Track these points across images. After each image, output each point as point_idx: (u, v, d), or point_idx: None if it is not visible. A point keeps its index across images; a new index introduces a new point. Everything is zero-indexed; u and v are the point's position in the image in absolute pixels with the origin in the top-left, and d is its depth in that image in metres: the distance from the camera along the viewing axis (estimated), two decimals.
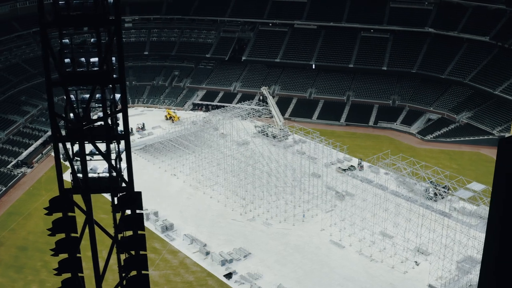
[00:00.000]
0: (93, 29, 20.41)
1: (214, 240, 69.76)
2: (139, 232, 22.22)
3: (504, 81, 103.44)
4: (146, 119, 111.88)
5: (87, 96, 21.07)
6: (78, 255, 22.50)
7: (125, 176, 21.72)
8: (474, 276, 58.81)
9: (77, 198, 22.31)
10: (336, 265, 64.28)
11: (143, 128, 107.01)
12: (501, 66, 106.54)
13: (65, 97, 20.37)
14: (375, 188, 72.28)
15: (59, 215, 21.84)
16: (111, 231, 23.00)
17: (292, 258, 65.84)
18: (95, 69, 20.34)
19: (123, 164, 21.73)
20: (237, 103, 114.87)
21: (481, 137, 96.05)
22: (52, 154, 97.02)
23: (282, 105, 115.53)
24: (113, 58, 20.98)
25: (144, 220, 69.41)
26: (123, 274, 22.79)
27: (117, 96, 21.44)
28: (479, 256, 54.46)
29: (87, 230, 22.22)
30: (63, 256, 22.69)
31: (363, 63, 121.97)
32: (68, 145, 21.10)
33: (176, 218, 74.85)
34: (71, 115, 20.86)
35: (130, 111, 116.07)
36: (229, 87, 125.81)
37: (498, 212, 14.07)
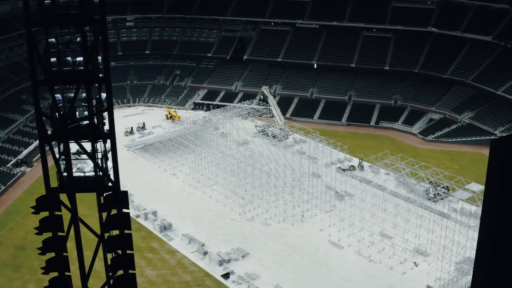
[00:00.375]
0: (78, 28, 20.46)
1: (212, 240, 69.85)
2: (126, 231, 22.27)
3: (507, 81, 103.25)
4: (146, 119, 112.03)
5: (71, 95, 21.17)
6: (65, 254, 22.61)
7: (112, 176, 21.69)
8: None
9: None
10: (334, 266, 64.30)
11: (143, 127, 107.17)
12: (504, 66, 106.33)
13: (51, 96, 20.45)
14: (374, 189, 72.31)
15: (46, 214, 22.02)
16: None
17: (291, 258, 65.88)
18: (81, 68, 20.42)
19: (110, 164, 21.74)
20: (238, 102, 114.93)
21: (483, 138, 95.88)
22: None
23: (284, 104, 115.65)
24: (100, 58, 21.09)
25: (143, 219, 69.42)
26: (110, 274, 22.85)
27: (104, 95, 21.55)
28: None
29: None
30: (51, 255, 22.89)
31: (365, 62, 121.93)
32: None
33: (174, 218, 74.96)
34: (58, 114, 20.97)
35: (131, 110, 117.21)
36: (231, 87, 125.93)
37: (491, 213, 14.06)
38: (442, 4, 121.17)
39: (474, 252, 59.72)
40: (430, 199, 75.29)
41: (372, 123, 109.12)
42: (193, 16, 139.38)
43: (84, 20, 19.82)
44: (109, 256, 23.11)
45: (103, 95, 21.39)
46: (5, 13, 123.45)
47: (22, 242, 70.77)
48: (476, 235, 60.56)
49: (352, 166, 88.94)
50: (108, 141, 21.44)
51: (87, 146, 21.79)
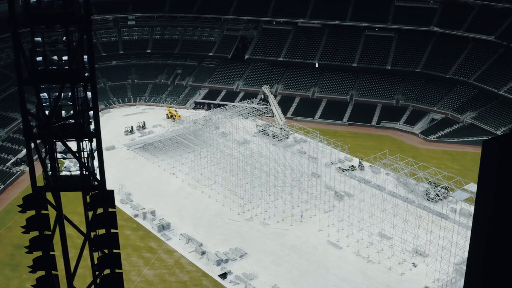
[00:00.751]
0: (63, 27, 20.55)
1: (210, 240, 69.96)
2: (112, 230, 22.38)
3: (509, 81, 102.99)
4: (147, 118, 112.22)
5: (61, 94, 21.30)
6: (51, 252, 22.73)
7: (98, 175, 21.80)
8: None
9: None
10: (332, 266, 64.32)
11: (143, 126, 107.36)
12: (506, 65, 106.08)
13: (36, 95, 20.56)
14: (372, 189, 72.33)
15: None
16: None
17: (289, 259, 65.93)
18: (66, 67, 20.52)
19: (96, 163, 21.84)
20: (239, 101, 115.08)
21: (484, 138, 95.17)
22: None
23: (285, 104, 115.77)
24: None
25: (141, 219, 69.45)
26: (97, 273, 22.95)
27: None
28: None
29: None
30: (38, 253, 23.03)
31: (367, 62, 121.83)
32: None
33: (173, 217, 75.10)
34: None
35: (132, 109, 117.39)
36: (232, 86, 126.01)
37: (483, 213, 14.02)
38: (444, 4, 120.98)
39: None
40: (429, 200, 75.33)
41: (374, 123, 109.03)
42: (195, 15, 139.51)
43: (69, 19, 19.88)
44: (96, 255, 23.23)
45: (89, 94, 21.44)
46: (5, 12, 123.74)
47: (21, 241, 70.76)
48: None
49: (352, 166, 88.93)
50: (94, 140, 21.53)
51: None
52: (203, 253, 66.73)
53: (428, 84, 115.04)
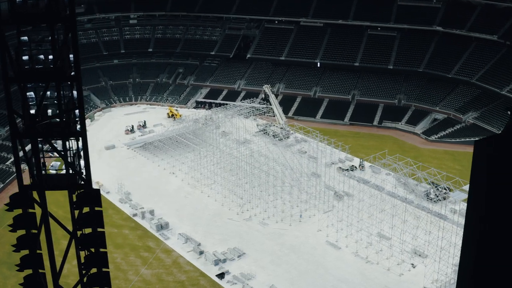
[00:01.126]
0: (48, 26, 20.69)
1: (209, 240, 70.07)
2: (99, 229, 22.47)
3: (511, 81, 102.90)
4: (148, 117, 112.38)
5: (48, 93, 21.44)
6: (38, 251, 22.86)
7: (84, 174, 21.90)
8: None
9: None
10: (331, 266, 64.34)
11: (144, 125, 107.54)
12: (509, 65, 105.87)
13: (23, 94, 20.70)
14: (371, 189, 72.31)
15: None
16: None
17: (287, 259, 65.99)
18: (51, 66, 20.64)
19: (82, 162, 21.96)
20: (241, 101, 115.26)
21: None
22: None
23: (286, 103, 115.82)
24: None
25: (140, 218, 69.63)
26: (84, 272, 23.06)
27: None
28: None
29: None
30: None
31: (369, 61, 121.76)
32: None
33: (172, 217, 75.25)
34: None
35: (133, 109, 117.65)
36: (233, 85, 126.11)
37: (475, 214, 13.97)
38: (447, 3, 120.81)
39: None
40: (430, 200, 75.25)
41: (375, 122, 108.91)
42: (197, 14, 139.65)
43: (54, 18, 20.00)
44: (83, 254, 23.34)
45: (76, 93, 21.56)
46: (5, 10, 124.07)
47: None
48: None
49: (353, 166, 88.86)
50: (80, 139, 21.64)
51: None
52: (201, 252, 66.86)
53: (430, 84, 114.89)
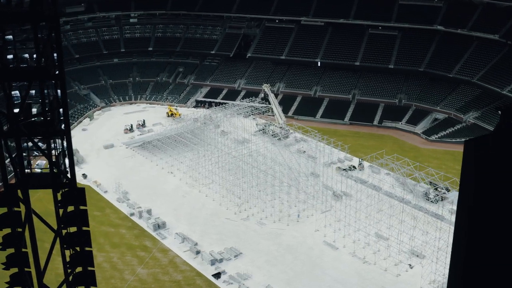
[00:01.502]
0: (32, 25, 20.80)
1: (206, 239, 70.18)
2: (84, 228, 22.61)
3: None
4: (147, 116, 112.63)
5: (33, 92, 21.59)
6: (24, 250, 23.00)
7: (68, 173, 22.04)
8: None
9: None
10: (328, 267, 64.37)
11: (143, 125, 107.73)
12: (510, 65, 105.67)
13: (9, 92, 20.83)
14: (369, 189, 72.31)
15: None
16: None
17: (284, 259, 66.04)
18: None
19: (67, 160, 22.08)
20: (240, 100, 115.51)
21: None
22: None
23: (287, 102, 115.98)
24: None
25: (137, 218, 69.70)
26: (69, 271, 23.20)
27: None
28: None
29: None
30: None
31: (370, 61, 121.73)
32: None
33: (169, 216, 75.37)
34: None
35: (132, 108, 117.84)
36: (233, 84, 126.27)
37: (465, 214, 14.02)
38: (449, 2, 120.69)
39: None
40: (429, 200, 75.26)
41: (376, 122, 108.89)
42: (197, 13, 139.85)
43: (37, 17, 20.13)
44: (68, 253, 23.48)
45: (60, 92, 21.68)
46: None
47: None
48: None
49: (352, 166, 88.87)
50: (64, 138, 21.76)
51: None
52: (198, 252, 66.96)
53: (431, 84, 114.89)
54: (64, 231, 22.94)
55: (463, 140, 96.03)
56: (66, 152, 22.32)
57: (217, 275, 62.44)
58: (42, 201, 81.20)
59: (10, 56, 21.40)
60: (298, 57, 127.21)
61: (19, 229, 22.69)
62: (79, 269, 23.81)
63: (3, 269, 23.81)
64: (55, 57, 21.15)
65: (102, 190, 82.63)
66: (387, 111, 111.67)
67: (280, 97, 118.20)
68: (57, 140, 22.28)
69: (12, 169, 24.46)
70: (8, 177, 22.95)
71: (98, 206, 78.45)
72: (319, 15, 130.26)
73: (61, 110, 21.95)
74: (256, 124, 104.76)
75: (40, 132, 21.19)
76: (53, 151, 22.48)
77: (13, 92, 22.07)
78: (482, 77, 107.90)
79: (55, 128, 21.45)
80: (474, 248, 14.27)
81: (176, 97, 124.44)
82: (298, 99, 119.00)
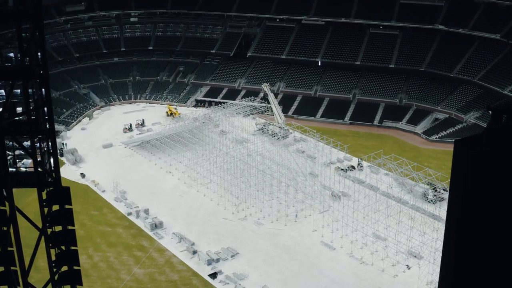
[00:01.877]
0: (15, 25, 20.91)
1: (203, 239, 70.24)
2: (69, 227, 22.71)
3: None
4: (147, 115, 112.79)
5: (17, 91, 21.74)
6: (10, 248, 23.11)
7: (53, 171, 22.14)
8: None
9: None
10: (325, 267, 64.36)
11: (142, 124, 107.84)
12: None
13: None
14: (366, 189, 72.28)
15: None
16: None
17: (281, 259, 66.05)
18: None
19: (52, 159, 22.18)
20: (240, 100, 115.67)
21: None
22: None
23: (287, 102, 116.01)
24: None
25: (134, 217, 69.64)
26: (54, 270, 23.30)
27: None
28: None
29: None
30: None
31: (371, 60, 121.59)
32: None
33: (166, 216, 75.46)
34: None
35: (132, 107, 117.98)
36: (234, 84, 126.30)
37: (455, 216, 13.86)
38: (450, 1, 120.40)
39: None
40: (427, 200, 75.17)
41: (376, 122, 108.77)
42: (198, 12, 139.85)
43: (20, 16, 20.22)
44: (53, 252, 23.58)
45: (44, 91, 21.79)
46: None
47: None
48: None
49: (351, 166, 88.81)
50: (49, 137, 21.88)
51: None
52: (195, 252, 67.03)
53: (432, 83, 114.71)
54: (49, 230, 23.09)
55: None
56: (51, 151, 22.50)
57: (213, 275, 62.52)
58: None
59: None
60: (298, 57, 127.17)
61: (5, 228, 22.87)
62: (64, 268, 24.03)
63: None
64: (39, 56, 21.31)
65: (100, 189, 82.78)
66: (388, 111, 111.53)
67: (280, 96, 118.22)
68: (43, 139, 22.47)
69: None
70: None
71: (96, 206, 78.60)
72: (320, 14, 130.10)
73: (45, 109, 22.18)
74: (256, 124, 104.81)
75: (25, 131, 21.31)
76: (38, 150, 22.69)
77: None
78: (483, 77, 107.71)
79: (39, 127, 21.56)
80: (464, 251, 14.14)
81: (176, 96, 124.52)
82: (299, 98, 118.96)
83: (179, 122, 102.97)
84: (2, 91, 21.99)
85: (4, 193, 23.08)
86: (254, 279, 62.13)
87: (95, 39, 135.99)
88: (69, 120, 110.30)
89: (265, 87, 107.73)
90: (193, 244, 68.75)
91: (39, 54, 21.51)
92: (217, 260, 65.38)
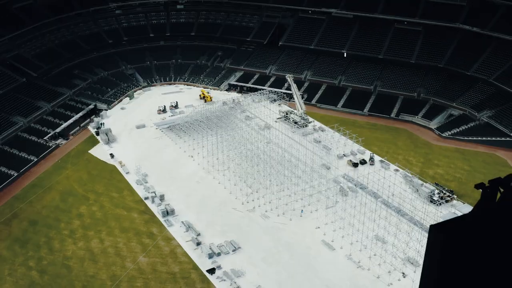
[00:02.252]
0: None
1: (209, 230, 62.43)
2: None
3: None
4: (183, 97, 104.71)
5: None
6: None
7: None
8: None
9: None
10: (321, 270, 55.66)
11: (176, 106, 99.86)
12: None
13: None
14: (368, 195, 62.77)
15: None
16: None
17: (280, 257, 57.67)
18: None
19: None
20: (270, 86, 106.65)
21: (498, 138, 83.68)
22: (88, 127, 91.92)
23: (311, 90, 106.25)
24: None
25: (150, 202, 60.53)
26: None
27: None
28: None
29: None
30: None
31: (393, 54, 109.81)
32: None
33: (180, 203, 67.93)
34: None
35: (170, 88, 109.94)
36: (265, 70, 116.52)
37: None
38: (472, 2, 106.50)
39: None
40: (432, 202, 65.32)
41: (393, 115, 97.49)
42: (238, 1, 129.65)
43: None
44: None
45: None
46: None
47: (36, 217, 65.61)
48: None
49: (363, 159, 78.87)
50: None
51: None
52: (198, 244, 59.39)
53: (449, 80, 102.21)
54: None
55: (474, 139, 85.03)
56: None
57: (211, 271, 54.85)
58: (69, 179, 75.17)
59: None
60: (326, 48, 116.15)
61: None
62: None
63: None
64: None
65: (125, 171, 75.81)
66: (406, 103, 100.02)
67: (306, 84, 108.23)
68: None
69: None
70: None
71: (118, 188, 71.66)
72: (349, 8, 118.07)
73: None
74: (279, 111, 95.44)
75: None
76: None
77: None
78: (498, 77, 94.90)
79: None
80: None
81: (211, 79, 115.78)
82: (323, 87, 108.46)
83: (209, 106, 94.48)
84: None
85: None
86: (250, 278, 54.18)
87: (144, 24, 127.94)
88: (112, 99, 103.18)
89: (289, 78, 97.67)
90: (198, 234, 61.06)
91: None
92: (218, 254, 57.65)
